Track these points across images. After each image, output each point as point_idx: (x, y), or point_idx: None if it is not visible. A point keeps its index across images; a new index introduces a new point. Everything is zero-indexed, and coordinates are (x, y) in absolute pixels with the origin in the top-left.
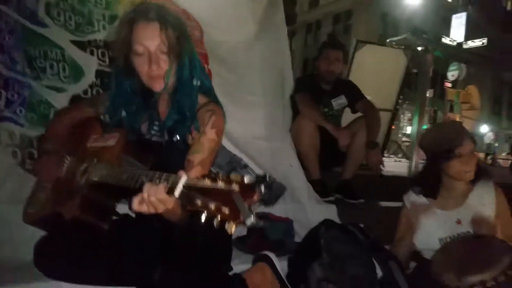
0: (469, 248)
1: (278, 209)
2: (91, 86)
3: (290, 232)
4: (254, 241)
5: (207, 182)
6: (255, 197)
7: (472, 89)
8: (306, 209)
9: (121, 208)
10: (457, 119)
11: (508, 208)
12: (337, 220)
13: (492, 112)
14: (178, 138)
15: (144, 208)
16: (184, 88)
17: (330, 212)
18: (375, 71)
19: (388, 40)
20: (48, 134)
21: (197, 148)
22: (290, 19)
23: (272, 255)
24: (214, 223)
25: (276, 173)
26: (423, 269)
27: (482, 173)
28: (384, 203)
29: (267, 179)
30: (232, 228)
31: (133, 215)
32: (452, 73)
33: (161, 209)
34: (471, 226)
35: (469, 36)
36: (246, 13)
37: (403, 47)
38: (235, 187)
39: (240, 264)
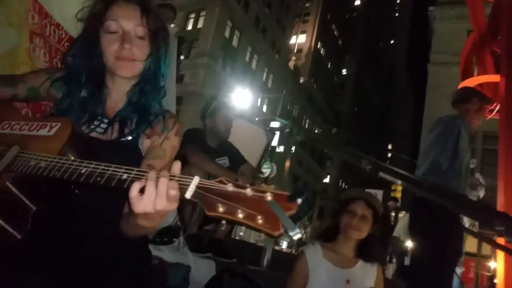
0: None
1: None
2: None
3: (187, 279)
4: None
5: (230, 187)
6: (294, 209)
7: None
8: (189, 262)
9: None
10: None
11: (382, 283)
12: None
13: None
14: (130, 138)
15: (149, 206)
16: (153, 84)
17: (211, 267)
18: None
19: (256, 119)
20: None
21: (159, 153)
22: None
23: None
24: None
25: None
26: None
27: (371, 254)
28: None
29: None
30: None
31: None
32: (265, 170)
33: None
34: None
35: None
36: None
37: (268, 128)
38: (269, 195)
39: None
